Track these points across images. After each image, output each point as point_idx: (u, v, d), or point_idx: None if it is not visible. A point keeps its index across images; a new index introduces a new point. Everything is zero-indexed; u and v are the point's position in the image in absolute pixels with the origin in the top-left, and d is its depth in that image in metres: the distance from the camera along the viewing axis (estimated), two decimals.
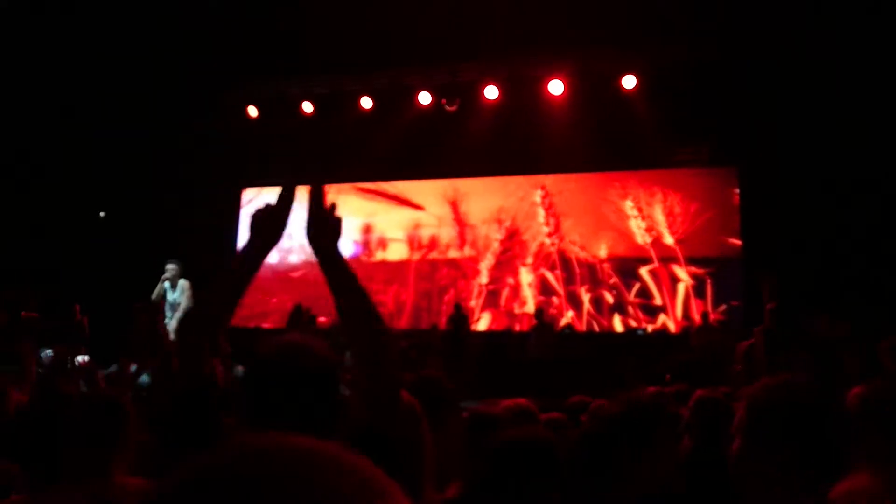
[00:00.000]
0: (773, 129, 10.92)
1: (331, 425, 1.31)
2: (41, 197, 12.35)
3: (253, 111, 13.85)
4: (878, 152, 10.11)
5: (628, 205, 13.29)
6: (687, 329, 11.58)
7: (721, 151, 12.35)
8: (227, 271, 1.65)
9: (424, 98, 13.03)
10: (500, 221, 13.88)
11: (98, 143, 12.83)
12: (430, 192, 14.48)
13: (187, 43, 11.48)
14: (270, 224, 1.65)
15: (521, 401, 2.57)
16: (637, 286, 12.91)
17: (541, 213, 13.71)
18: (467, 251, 14.09)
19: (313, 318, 2.78)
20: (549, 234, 13.58)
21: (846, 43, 9.94)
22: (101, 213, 14.27)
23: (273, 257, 14.67)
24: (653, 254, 12.95)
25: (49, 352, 10.29)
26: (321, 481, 0.43)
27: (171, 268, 10.11)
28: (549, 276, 13.44)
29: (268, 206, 1.66)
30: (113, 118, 12.65)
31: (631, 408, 1.70)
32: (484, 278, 13.80)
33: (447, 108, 13.02)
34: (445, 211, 14.34)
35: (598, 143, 12.45)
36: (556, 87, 12.37)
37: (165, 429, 1.53)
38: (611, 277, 13.07)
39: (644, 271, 12.93)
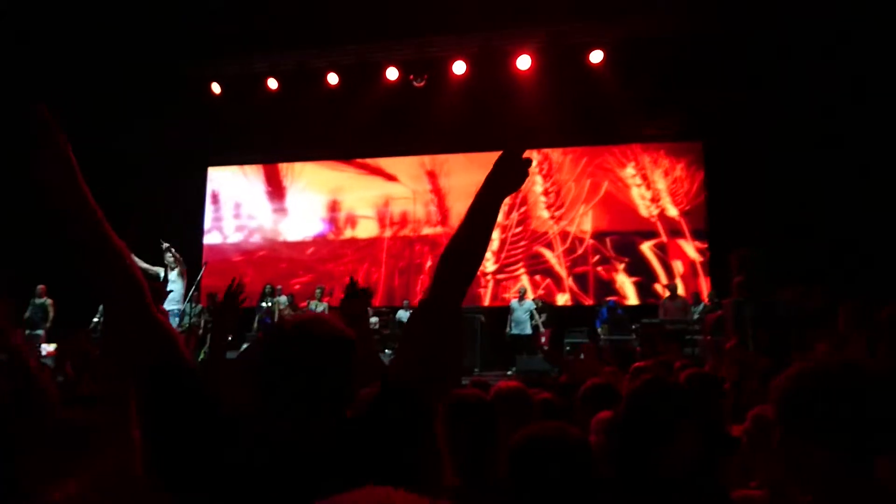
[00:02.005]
0: (738, 104, 11.03)
1: (347, 397, 1.32)
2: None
3: (216, 88, 13.51)
4: (846, 119, 10.30)
5: (629, 173, 13.24)
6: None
7: (689, 126, 12.48)
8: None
9: (392, 73, 12.86)
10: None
11: (58, 121, 12.39)
12: (402, 167, 14.34)
13: (146, 17, 11.10)
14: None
15: (513, 383, 2.58)
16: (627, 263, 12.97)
17: (538, 188, 13.66)
18: (441, 229, 14.01)
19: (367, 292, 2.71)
20: (550, 209, 13.55)
21: (812, 19, 10.05)
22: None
23: (237, 237, 14.42)
24: (660, 227, 12.92)
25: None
26: None
27: (169, 257, 9.98)
28: (548, 253, 13.46)
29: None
30: (72, 95, 12.22)
31: (660, 393, 1.70)
32: (490, 265, 13.64)
33: (415, 83, 12.87)
34: (421, 185, 14.22)
35: (567, 118, 12.48)
36: (524, 62, 12.32)
37: None
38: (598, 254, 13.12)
39: (646, 247, 12.92)
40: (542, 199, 13.55)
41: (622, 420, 1.68)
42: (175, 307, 10.05)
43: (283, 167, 14.97)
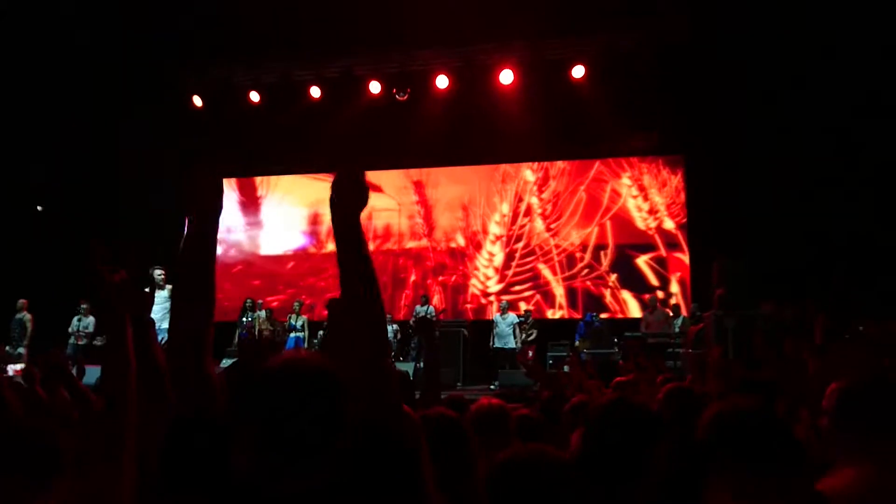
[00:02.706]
0: (720, 118, 11.14)
1: (337, 437, 1.21)
2: None
3: (198, 101, 13.45)
4: (829, 130, 10.42)
5: (625, 183, 13.18)
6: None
7: (670, 140, 12.59)
8: (186, 268, 1.54)
9: (375, 87, 12.88)
10: (485, 214, 13.75)
11: (35, 133, 12.26)
12: (388, 179, 14.28)
13: (130, 30, 11.04)
14: (205, 193, 1.54)
15: (494, 401, 2.55)
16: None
17: (535, 199, 13.62)
18: (427, 242, 13.96)
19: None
20: (545, 221, 13.48)
21: (789, 32, 10.20)
22: (39, 207, 13.68)
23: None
24: (658, 240, 12.85)
25: None
26: None
27: (158, 273, 9.81)
28: (544, 268, 13.40)
29: (192, 179, 1.55)
30: (51, 108, 12.10)
31: (633, 418, 1.68)
32: (494, 284, 13.49)
33: (398, 97, 12.90)
34: (406, 197, 14.17)
35: (550, 132, 12.54)
36: (506, 76, 12.39)
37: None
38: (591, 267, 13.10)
39: (643, 261, 12.85)
40: (539, 211, 13.50)
41: (582, 455, 1.63)
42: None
43: (260, 180, 14.87)
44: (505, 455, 1.40)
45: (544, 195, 13.55)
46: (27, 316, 11.30)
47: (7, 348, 10.76)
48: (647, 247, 12.85)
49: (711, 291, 7.98)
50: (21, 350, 10.96)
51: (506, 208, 13.67)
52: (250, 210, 14.87)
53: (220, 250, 14.66)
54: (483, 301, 13.40)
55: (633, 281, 12.79)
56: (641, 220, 12.99)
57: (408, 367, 10.12)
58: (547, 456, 1.40)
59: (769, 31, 10.33)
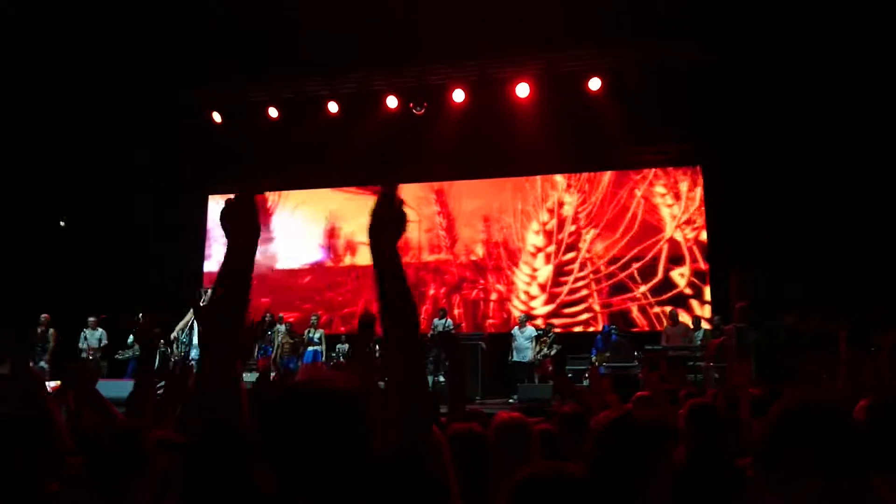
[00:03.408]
0: (738, 128, 11.09)
1: (358, 458, 1.20)
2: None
3: (217, 117, 13.62)
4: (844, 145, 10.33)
5: (659, 191, 12.98)
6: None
7: (688, 150, 12.54)
8: (221, 290, 1.55)
9: (392, 102, 12.98)
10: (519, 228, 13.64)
11: (59, 150, 12.46)
12: (407, 189, 14.30)
13: (151, 47, 11.22)
14: (243, 221, 1.57)
15: (515, 415, 2.53)
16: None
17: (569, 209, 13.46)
18: (446, 255, 13.95)
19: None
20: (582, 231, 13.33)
21: (808, 43, 10.14)
22: (62, 222, 13.87)
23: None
24: (696, 252, 12.58)
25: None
26: None
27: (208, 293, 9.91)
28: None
29: (231, 205, 1.58)
30: (74, 125, 12.31)
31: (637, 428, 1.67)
32: (540, 304, 13.23)
33: (415, 111, 12.98)
34: (427, 209, 14.12)
35: (568, 144, 12.53)
36: (522, 89, 12.42)
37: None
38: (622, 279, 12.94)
39: (677, 273, 12.63)
40: (571, 224, 13.40)
41: (590, 471, 1.61)
42: None
43: (276, 194, 14.98)
44: (525, 472, 1.39)
45: (580, 208, 13.43)
46: (50, 331, 11.43)
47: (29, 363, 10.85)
48: (681, 258, 12.71)
49: (731, 304, 7.90)
50: (43, 364, 11.05)
51: (545, 216, 13.52)
52: (268, 224, 14.97)
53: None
54: (505, 316, 13.27)
55: (665, 293, 12.66)
56: (679, 232, 12.83)
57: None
58: (566, 473, 1.39)
59: (789, 43, 10.27)
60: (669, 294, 12.62)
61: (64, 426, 2.40)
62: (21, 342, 10.80)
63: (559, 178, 13.60)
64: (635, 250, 12.91)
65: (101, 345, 11.73)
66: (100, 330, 11.73)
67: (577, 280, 13.14)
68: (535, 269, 13.42)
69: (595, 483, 1.53)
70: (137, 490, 1.79)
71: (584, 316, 13.00)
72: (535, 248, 13.48)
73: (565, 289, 13.16)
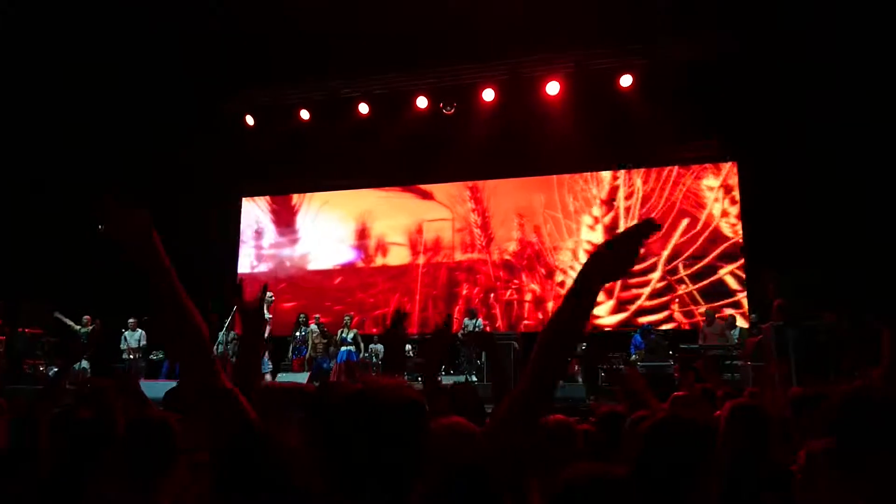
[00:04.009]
0: (772, 123, 10.90)
1: (415, 468, 1.20)
2: (39, 210, 12.26)
3: (250, 120, 13.81)
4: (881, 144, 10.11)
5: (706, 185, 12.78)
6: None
7: (724, 147, 12.38)
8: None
9: (422, 102, 13.02)
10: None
11: (96, 155, 12.74)
12: (441, 188, 14.30)
13: (183, 53, 11.40)
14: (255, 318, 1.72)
15: (559, 416, 2.53)
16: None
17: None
18: (478, 255, 13.91)
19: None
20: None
21: (844, 37, 9.93)
22: (100, 227, 14.15)
23: (266, 266, 14.27)
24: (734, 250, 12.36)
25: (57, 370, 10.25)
26: None
27: (269, 296, 10.19)
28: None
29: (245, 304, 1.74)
30: (110, 131, 12.57)
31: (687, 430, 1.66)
32: (606, 314, 12.92)
33: (445, 111, 13.01)
34: (462, 207, 14.14)
35: (599, 142, 12.45)
36: (552, 87, 12.37)
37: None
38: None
39: (726, 271, 12.46)
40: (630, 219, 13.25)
41: (635, 473, 1.60)
42: None
43: (308, 195, 15.12)
44: (569, 474, 1.39)
45: (627, 202, 13.30)
46: (140, 333, 11.76)
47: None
48: (733, 256, 12.52)
49: (768, 302, 7.78)
50: (85, 365, 11.31)
51: (597, 210, 13.38)
52: (293, 225, 15.16)
53: (271, 265, 15.09)
54: (541, 316, 13.15)
55: (714, 292, 12.49)
56: (729, 228, 12.66)
57: (457, 379, 10.13)
58: (610, 475, 1.39)
59: (821, 35, 10.06)
60: (714, 290, 12.49)
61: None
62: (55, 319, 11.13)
63: (605, 174, 13.45)
64: (691, 248, 12.77)
65: (140, 345, 11.99)
66: (139, 331, 11.99)
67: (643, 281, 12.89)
68: None
69: (639, 485, 1.54)
70: (165, 481, 1.84)
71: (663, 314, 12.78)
72: (591, 244, 13.24)
73: (646, 290, 12.86)
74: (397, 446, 1.17)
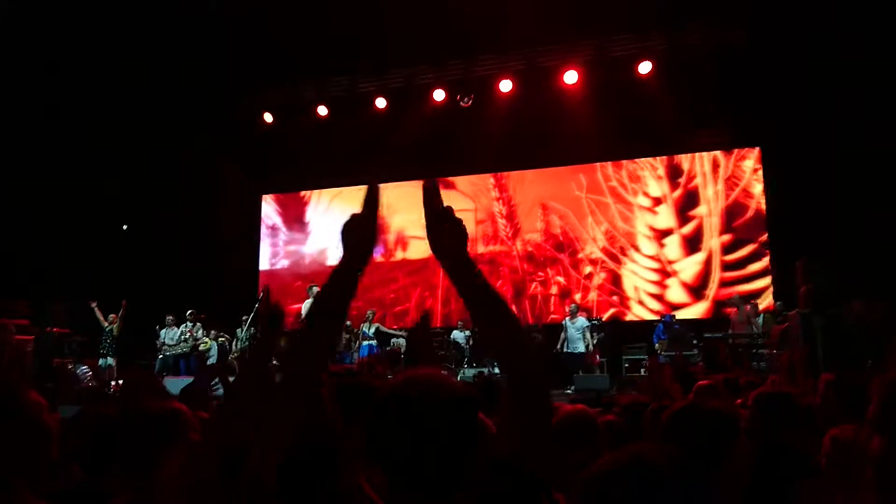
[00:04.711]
0: (793, 108, 10.71)
1: (467, 468, 1.17)
2: (63, 212, 12.44)
3: (268, 118, 13.88)
4: None
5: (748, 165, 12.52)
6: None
7: (745, 132, 12.21)
8: (328, 294, 1.53)
9: (438, 95, 12.99)
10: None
11: (118, 157, 12.90)
12: (464, 182, 14.26)
13: (199, 52, 11.48)
14: (362, 235, 1.54)
15: (579, 407, 2.51)
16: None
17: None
18: (499, 247, 13.82)
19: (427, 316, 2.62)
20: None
21: (862, 24, 9.72)
22: (125, 227, 14.36)
23: (286, 262, 14.44)
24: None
25: (85, 368, 10.42)
26: None
27: (316, 289, 10.32)
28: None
29: (355, 217, 1.56)
30: (129, 132, 12.70)
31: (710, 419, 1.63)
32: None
33: (462, 103, 12.97)
34: (484, 199, 14.10)
35: (619, 130, 12.33)
36: (570, 76, 12.26)
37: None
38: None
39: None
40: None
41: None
42: None
43: (326, 191, 15.16)
44: (606, 462, 1.35)
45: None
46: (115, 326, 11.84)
47: (100, 362, 11.30)
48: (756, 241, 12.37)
49: (796, 289, 7.65)
50: (111, 361, 11.49)
51: (656, 190, 13.07)
52: (303, 220, 15.23)
53: (291, 261, 15.17)
54: (566, 310, 13.08)
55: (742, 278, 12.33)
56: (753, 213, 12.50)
57: (479, 371, 10.13)
58: (649, 462, 1.34)
59: (844, 19, 9.86)
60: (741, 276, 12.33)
61: None
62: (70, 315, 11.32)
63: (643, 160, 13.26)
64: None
65: (182, 339, 12.05)
66: (176, 328, 12.09)
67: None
68: (667, 261, 12.89)
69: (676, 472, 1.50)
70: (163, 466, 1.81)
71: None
72: (652, 229, 13.03)
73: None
74: (443, 439, 1.14)
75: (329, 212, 15.03)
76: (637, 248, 13.00)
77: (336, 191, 14.96)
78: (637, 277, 12.92)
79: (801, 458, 2.11)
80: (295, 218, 15.43)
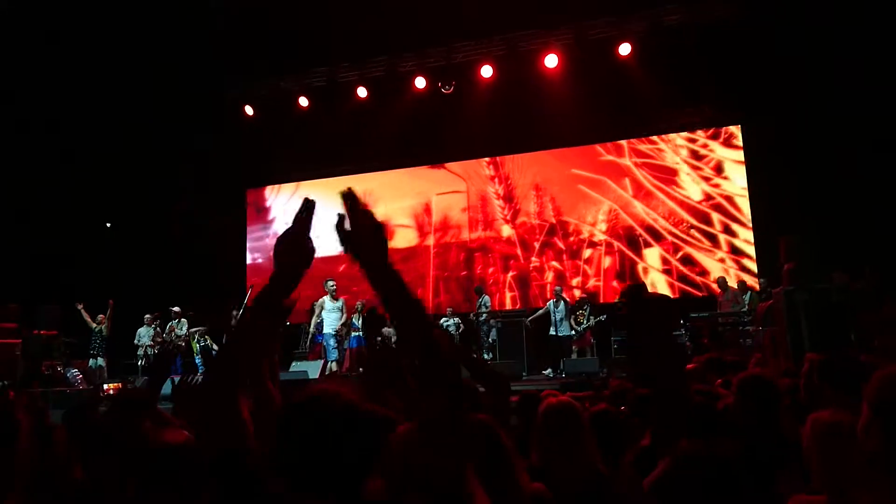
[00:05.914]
0: (776, 87, 10.75)
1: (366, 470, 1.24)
2: (46, 210, 12.33)
3: (250, 110, 13.78)
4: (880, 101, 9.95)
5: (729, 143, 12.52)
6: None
7: (726, 111, 12.26)
8: (255, 310, 1.50)
9: (420, 82, 12.94)
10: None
11: (97, 153, 12.77)
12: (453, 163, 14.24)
13: (179, 45, 11.36)
14: (297, 247, 1.52)
15: (562, 398, 2.51)
16: None
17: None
18: (486, 232, 13.84)
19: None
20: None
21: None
22: (108, 224, 14.24)
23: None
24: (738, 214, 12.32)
25: (75, 371, 10.37)
26: None
27: (331, 285, 10.88)
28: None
29: (291, 230, 1.52)
30: (110, 127, 12.58)
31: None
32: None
33: (444, 90, 12.93)
34: (475, 185, 14.06)
35: (600, 112, 12.35)
36: (551, 60, 12.25)
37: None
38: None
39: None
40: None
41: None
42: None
43: (307, 182, 15.08)
44: (679, 452, 1.40)
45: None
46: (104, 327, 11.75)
47: (90, 363, 11.24)
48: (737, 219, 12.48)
49: (779, 267, 7.72)
50: (101, 362, 11.42)
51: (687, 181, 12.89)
52: (266, 215, 15.18)
53: (267, 256, 15.09)
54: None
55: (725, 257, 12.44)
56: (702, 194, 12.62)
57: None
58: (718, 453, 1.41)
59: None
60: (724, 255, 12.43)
61: None
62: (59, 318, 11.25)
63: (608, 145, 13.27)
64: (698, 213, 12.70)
65: (165, 338, 12.00)
66: (152, 328, 12.01)
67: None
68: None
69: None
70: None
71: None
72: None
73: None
74: (343, 451, 1.22)
75: (323, 205, 14.89)
76: (638, 234, 13.00)
77: (320, 181, 14.85)
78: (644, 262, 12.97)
79: (784, 442, 2.15)
80: (282, 210, 15.31)
